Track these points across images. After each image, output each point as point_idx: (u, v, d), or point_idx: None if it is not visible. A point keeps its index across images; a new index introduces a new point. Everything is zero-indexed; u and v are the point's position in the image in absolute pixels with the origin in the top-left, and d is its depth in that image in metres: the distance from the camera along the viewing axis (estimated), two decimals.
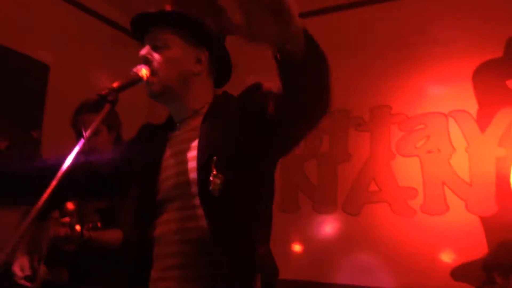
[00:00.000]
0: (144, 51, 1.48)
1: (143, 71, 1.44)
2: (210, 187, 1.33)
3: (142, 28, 1.53)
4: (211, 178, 1.33)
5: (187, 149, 1.45)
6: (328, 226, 3.50)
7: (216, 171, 1.33)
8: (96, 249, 2.31)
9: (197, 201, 1.36)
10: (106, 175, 1.62)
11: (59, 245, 2.25)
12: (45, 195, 1.12)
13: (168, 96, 1.50)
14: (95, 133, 2.46)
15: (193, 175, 1.39)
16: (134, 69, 1.44)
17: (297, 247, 3.51)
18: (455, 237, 3.12)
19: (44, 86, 3.51)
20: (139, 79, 1.43)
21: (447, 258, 3.08)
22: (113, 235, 2.35)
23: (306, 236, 3.54)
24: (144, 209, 1.47)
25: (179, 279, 1.36)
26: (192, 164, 1.40)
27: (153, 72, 1.45)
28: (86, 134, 1.27)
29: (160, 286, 1.40)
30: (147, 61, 1.46)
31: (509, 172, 3.08)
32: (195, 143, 1.43)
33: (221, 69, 1.59)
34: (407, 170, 3.38)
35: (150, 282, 1.42)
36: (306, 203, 3.63)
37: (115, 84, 1.38)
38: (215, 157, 1.35)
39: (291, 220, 3.58)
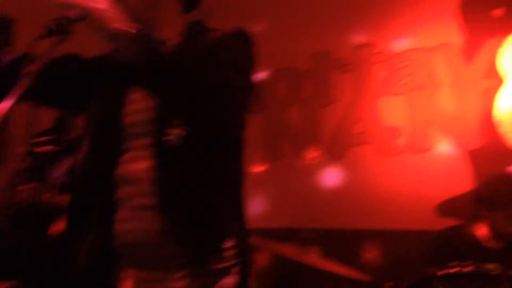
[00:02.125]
0: None
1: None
2: (166, 137, 1.25)
3: None
4: (167, 128, 1.25)
5: None
6: (313, 172, 3.41)
7: (175, 120, 1.25)
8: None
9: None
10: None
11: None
12: None
13: None
14: None
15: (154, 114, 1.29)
16: None
17: (281, 195, 3.43)
18: (441, 173, 3.04)
19: None
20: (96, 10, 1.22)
21: (434, 194, 3.01)
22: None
23: (291, 184, 3.45)
24: (106, 145, 1.35)
25: (150, 220, 1.27)
26: (155, 102, 1.29)
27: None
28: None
29: (129, 227, 1.30)
30: None
31: (494, 105, 2.98)
32: None
33: None
34: (393, 109, 3.28)
35: (117, 223, 1.32)
36: (289, 150, 3.53)
37: (71, 14, 1.21)
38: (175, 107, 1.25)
39: (275, 169, 3.50)
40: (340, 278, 2.26)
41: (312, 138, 3.47)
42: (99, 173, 1.35)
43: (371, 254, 2.95)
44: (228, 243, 1.29)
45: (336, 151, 3.39)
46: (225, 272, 1.28)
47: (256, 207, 3.42)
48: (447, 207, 2.99)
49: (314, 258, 2.26)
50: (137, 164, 1.30)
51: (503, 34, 2.98)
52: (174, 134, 1.24)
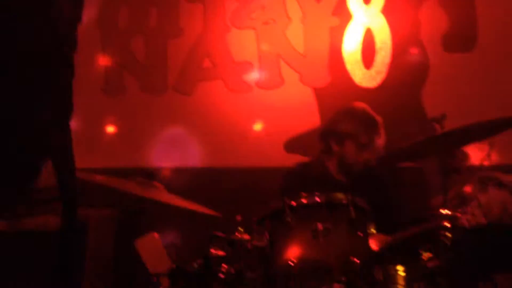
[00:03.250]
0: None
1: None
2: None
3: None
4: None
5: None
6: (158, 107, 3.17)
7: None
8: None
9: None
10: None
11: None
12: None
13: None
14: None
15: None
16: None
17: (122, 131, 3.15)
18: (289, 110, 3.04)
19: None
20: None
21: (281, 131, 3.00)
22: None
23: (133, 120, 3.18)
24: None
25: None
26: None
27: None
28: None
29: None
30: None
31: (342, 42, 3.01)
32: None
33: None
34: (243, 43, 3.15)
35: None
36: (133, 84, 3.22)
37: None
38: None
39: (115, 102, 3.19)
40: (188, 213, 2.11)
41: (159, 71, 3.21)
42: None
43: (220, 190, 2.86)
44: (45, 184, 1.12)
45: (184, 86, 3.18)
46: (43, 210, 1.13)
47: (102, 145, 3.12)
48: (293, 145, 3.00)
49: (159, 193, 2.07)
50: None
51: None
52: None
